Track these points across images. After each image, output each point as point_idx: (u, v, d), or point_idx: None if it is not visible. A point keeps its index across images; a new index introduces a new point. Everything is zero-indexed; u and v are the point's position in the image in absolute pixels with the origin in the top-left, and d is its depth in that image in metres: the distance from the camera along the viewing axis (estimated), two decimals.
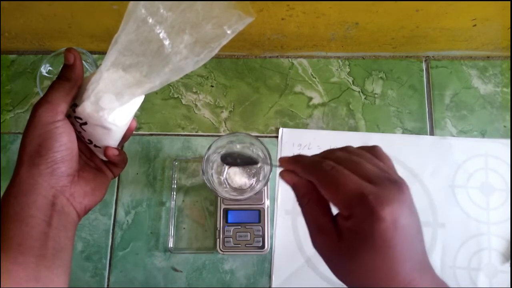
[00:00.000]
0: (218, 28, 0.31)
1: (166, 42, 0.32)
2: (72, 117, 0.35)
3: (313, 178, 0.29)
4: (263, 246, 0.53)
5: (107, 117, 0.34)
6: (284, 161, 0.32)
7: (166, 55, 0.32)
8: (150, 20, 0.30)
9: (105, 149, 0.37)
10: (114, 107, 0.34)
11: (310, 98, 0.61)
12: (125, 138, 0.38)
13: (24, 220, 0.31)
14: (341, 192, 0.27)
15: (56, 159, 0.33)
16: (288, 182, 0.31)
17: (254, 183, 0.55)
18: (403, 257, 0.26)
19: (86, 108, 0.33)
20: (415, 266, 0.26)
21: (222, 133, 0.60)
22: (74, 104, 0.34)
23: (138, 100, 0.36)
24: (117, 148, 0.38)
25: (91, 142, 0.36)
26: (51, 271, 0.32)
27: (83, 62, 0.57)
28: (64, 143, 0.33)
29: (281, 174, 0.32)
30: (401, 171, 0.57)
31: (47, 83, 0.55)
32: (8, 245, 0.31)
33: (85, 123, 0.34)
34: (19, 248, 0.31)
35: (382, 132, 0.59)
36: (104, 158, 0.38)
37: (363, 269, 0.26)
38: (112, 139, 0.37)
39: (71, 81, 0.34)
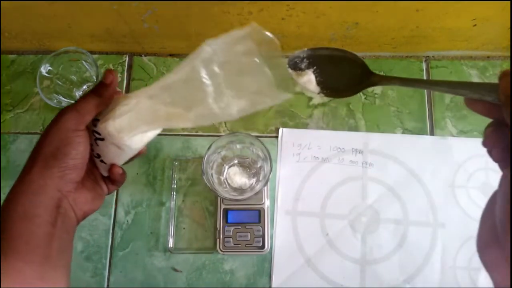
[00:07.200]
0: (259, 96, 0.34)
1: (211, 95, 0.33)
2: (90, 130, 0.36)
3: None
4: (263, 246, 0.53)
5: (126, 140, 0.35)
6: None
7: (207, 104, 0.33)
8: (203, 73, 0.32)
9: (112, 166, 0.38)
10: (136, 132, 0.35)
11: (310, 98, 0.61)
12: (131, 159, 0.40)
13: (31, 219, 0.32)
14: None
15: (69, 166, 0.34)
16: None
17: (254, 183, 0.55)
18: None
19: (109, 126, 0.35)
20: None
21: (222, 133, 0.60)
22: (96, 119, 0.36)
23: (158, 130, 0.37)
24: (121, 167, 0.39)
25: (99, 156, 0.37)
26: (55, 271, 0.33)
27: (83, 62, 0.57)
28: (80, 152, 0.35)
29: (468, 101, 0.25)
30: (401, 171, 0.57)
31: (47, 83, 0.55)
32: (17, 244, 0.31)
33: (102, 139, 0.36)
34: (27, 246, 0.31)
35: (382, 132, 0.59)
36: (105, 174, 0.39)
37: None
38: (121, 159, 0.38)
39: (102, 98, 0.36)
